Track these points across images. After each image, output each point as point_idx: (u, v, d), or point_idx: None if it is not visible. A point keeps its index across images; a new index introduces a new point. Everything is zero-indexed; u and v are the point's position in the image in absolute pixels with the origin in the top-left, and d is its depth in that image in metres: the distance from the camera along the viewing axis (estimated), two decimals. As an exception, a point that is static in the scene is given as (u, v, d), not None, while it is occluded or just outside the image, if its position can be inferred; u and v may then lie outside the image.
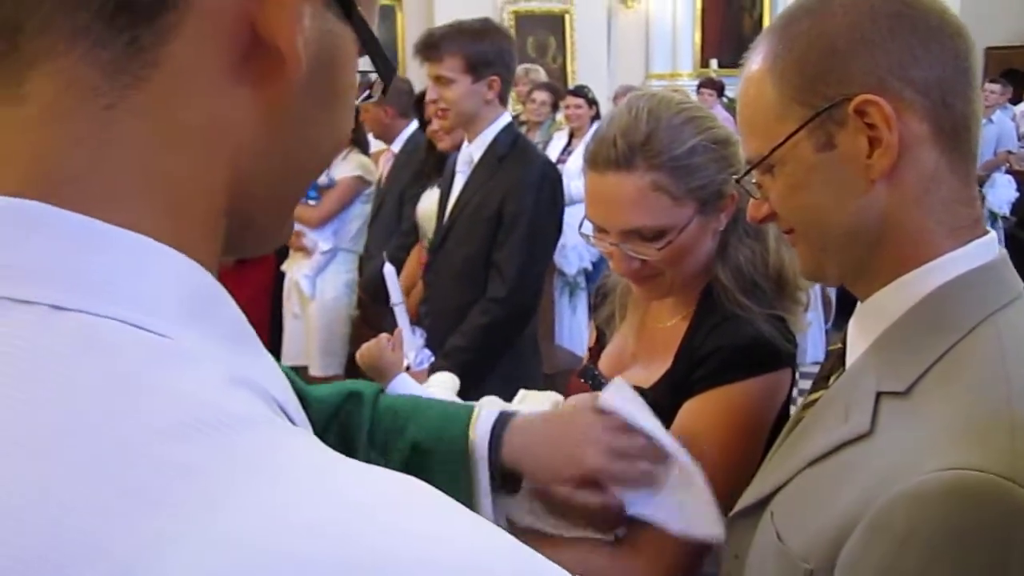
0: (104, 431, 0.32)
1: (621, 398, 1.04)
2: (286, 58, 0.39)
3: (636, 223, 1.14)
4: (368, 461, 1.07)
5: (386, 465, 1.05)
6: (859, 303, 0.86)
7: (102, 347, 0.34)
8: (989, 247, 0.79)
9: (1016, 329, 0.74)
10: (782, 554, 0.76)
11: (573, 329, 4.51)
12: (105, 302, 0.36)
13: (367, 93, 0.51)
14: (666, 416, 1.14)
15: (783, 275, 1.20)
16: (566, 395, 1.36)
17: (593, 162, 1.18)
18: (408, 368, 2.60)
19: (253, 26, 0.39)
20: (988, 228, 0.81)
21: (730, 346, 1.13)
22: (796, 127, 0.79)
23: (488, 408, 1.05)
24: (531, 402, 1.43)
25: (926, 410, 0.70)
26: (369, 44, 0.45)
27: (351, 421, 1.08)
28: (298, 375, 3.70)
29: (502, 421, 1.01)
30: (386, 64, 0.48)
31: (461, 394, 2.41)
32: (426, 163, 3.16)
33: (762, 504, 0.85)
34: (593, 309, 1.49)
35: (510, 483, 1.02)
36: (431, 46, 2.42)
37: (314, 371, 3.73)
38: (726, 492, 0.98)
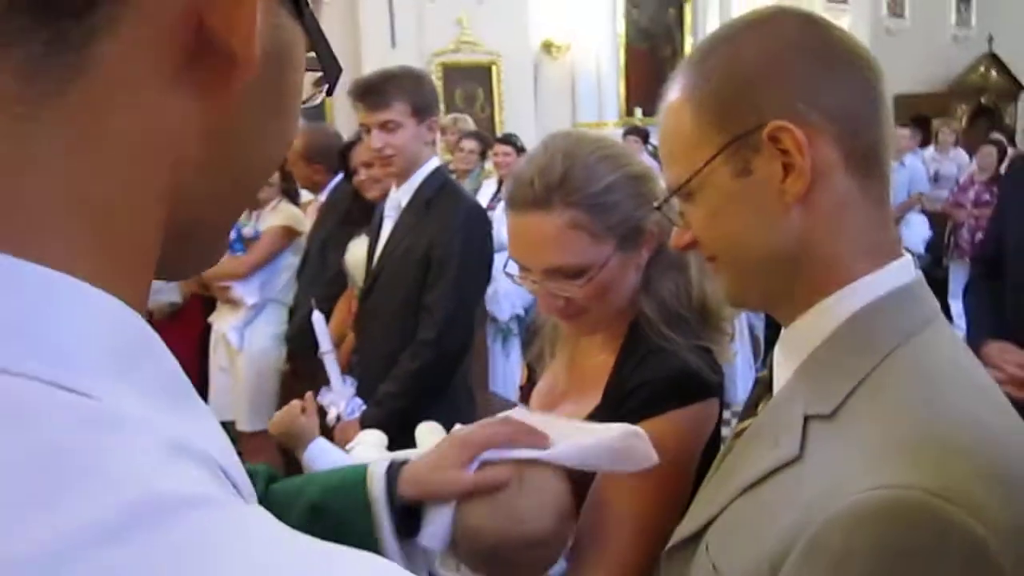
0: (34, 532, 0.27)
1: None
2: (239, 59, 0.35)
3: (556, 261, 1.15)
4: None
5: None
6: (783, 329, 0.86)
7: (20, 415, 0.29)
8: (905, 269, 0.80)
9: (933, 351, 0.75)
10: None
11: (507, 375, 4.49)
12: (19, 356, 0.30)
13: (312, 95, 0.46)
14: None
15: (706, 306, 1.21)
16: None
17: (512, 202, 1.19)
18: (339, 419, 2.55)
19: (201, 24, 0.34)
20: (903, 251, 0.83)
21: (657, 379, 1.13)
22: (713, 153, 0.80)
23: (381, 464, 1.04)
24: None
25: (853, 431, 0.71)
26: (319, 42, 0.42)
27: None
28: (226, 430, 3.58)
29: (398, 463, 1.03)
30: (334, 64, 0.44)
31: (394, 443, 2.36)
32: (351, 211, 3.14)
33: (696, 537, 0.84)
34: (524, 347, 1.49)
35: (414, 525, 1.02)
36: (377, 92, 2.40)
37: (241, 426, 3.62)
38: (660, 524, 0.97)
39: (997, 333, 2.17)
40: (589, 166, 1.15)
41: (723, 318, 1.22)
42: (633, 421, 1.10)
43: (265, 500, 1.05)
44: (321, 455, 1.35)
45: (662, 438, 1.08)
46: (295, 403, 1.42)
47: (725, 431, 1.22)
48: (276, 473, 1.11)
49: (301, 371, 3.16)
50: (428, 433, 1.49)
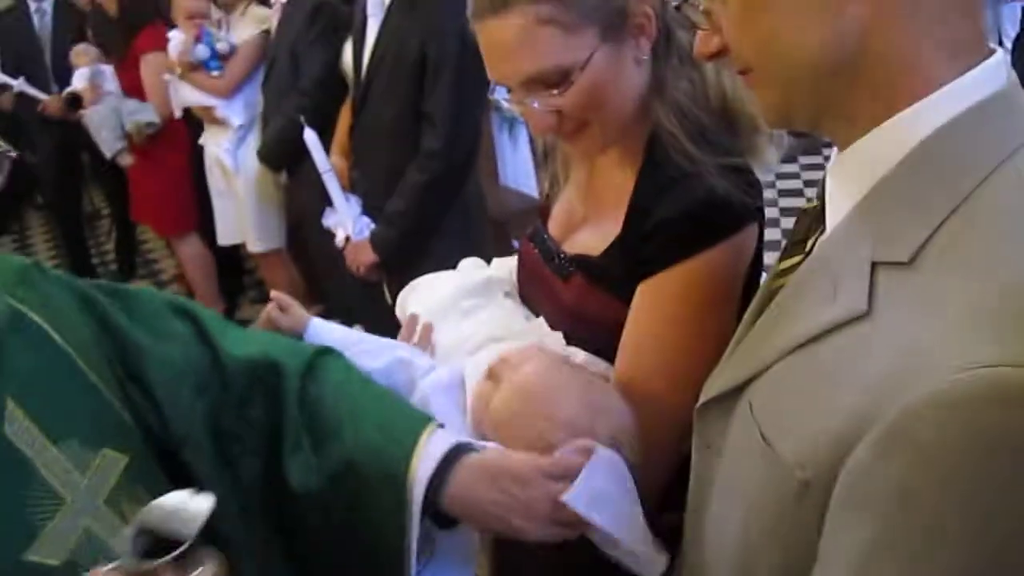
0: None
1: (589, 497, 0.92)
2: None
3: (529, 68, 0.98)
4: (296, 455, 0.91)
5: (317, 468, 0.90)
6: (835, 152, 0.71)
7: None
8: (996, 71, 0.64)
9: None
10: (769, 458, 0.66)
11: (518, 166, 4.32)
12: None
13: None
14: (620, 287, 1.03)
15: (729, 106, 1.04)
16: (520, 256, 1.25)
17: (474, 14, 1.00)
18: (348, 239, 2.45)
19: None
20: (993, 46, 0.66)
21: (682, 215, 0.98)
22: None
23: (436, 439, 0.95)
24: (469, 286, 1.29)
25: (936, 285, 0.58)
26: None
27: (278, 401, 0.97)
28: (237, 252, 3.47)
29: (449, 459, 0.93)
30: None
31: (408, 260, 2.28)
32: (318, 12, 2.82)
33: (736, 392, 0.74)
34: (534, 153, 1.32)
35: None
36: None
37: (252, 247, 3.55)
38: (697, 379, 0.85)
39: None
40: None
41: (755, 114, 1.03)
42: (660, 267, 1.00)
43: (303, 408, 0.98)
44: (321, 337, 1.19)
45: (695, 284, 0.98)
46: (270, 305, 1.25)
47: (773, 233, 1.08)
48: (306, 365, 1.02)
49: (304, 185, 3.01)
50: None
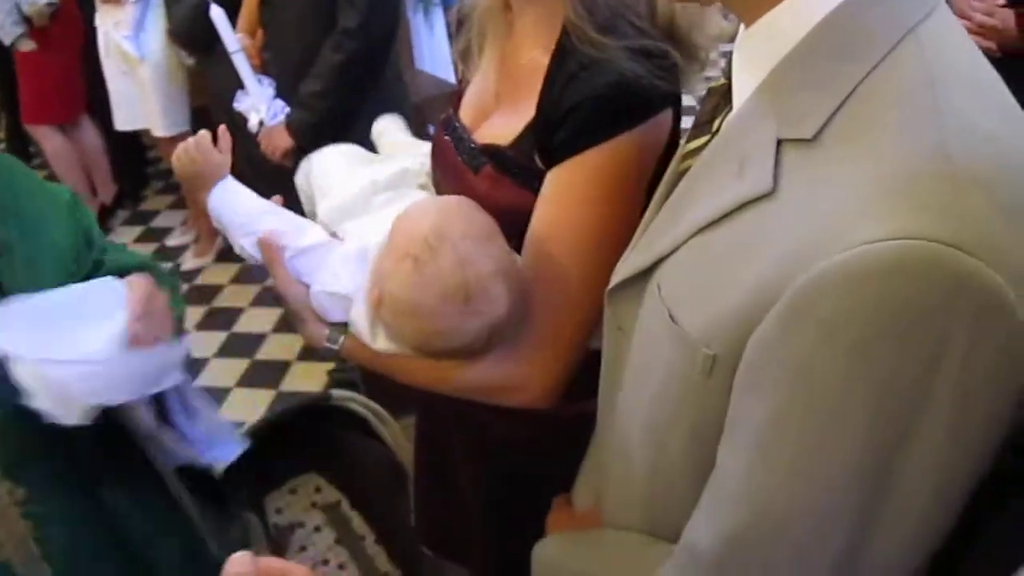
0: None
1: None
2: None
3: None
4: None
5: None
6: (742, 28, 0.70)
7: None
8: None
9: (943, 44, 0.61)
10: (677, 337, 0.67)
11: (434, 50, 4.20)
12: None
13: None
14: (531, 178, 1.00)
15: (675, 26, 1.00)
16: (434, 146, 1.20)
17: None
18: (261, 123, 2.36)
19: None
20: None
21: (589, 100, 0.95)
22: None
23: None
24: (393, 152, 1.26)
25: (842, 162, 0.58)
26: None
27: None
28: (138, 140, 3.35)
29: None
30: None
31: (325, 144, 2.21)
32: None
33: (645, 275, 0.75)
34: (451, 38, 1.26)
35: None
36: None
37: (158, 131, 3.40)
38: (610, 264, 0.85)
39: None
40: None
41: (696, 44, 1.01)
42: (568, 154, 0.97)
43: None
44: (227, 199, 1.13)
45: (604, 171, 0.96)
46: (204, 135, 1.18)
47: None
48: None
49: (204, 67, 2.86)
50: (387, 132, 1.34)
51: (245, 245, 1.12)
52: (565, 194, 0.98)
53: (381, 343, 1.04)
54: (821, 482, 0.58)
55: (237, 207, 1.13)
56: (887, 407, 0.54)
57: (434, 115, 3.28)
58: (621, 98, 0.95)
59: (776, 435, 0.58)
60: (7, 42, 3.47)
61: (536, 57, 1.03)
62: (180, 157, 1.14)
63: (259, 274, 3.63)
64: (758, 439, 0.60)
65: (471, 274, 0.92)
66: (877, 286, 0.52)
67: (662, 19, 1.00)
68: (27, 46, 3.49)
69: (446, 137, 1.15)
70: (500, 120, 1.08)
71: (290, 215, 1.14)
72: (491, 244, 0.95)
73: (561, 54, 0.99)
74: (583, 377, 0.99)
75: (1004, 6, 1.95)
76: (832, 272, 0.53)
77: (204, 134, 1.14)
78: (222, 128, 1.18)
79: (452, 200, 1.01)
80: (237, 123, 2.41)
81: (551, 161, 0.99)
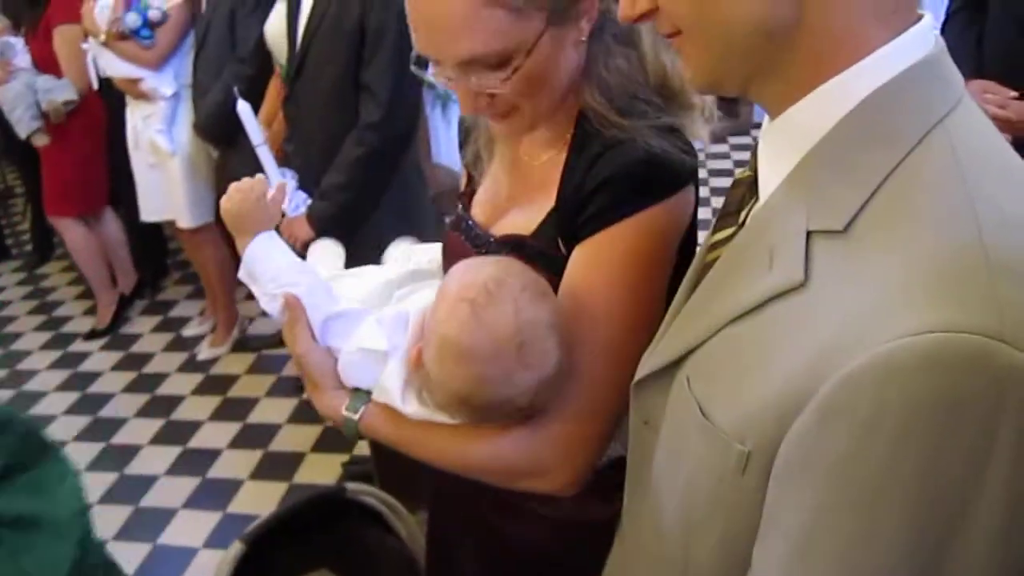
0: None
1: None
2: None
3: (471, 50, 0.90)
4: None
5: None
6: (767, 120, 0.70)
7: None
8: (926, 36, 0.63)
9: (970, 136, 0.60)
10: (709, 432, 0.65)
11: (451, 144, 4.29)
12: None
13: None
14: (556, 262, 0.99)
15: (668, 84, 1.01)
16: (445, 245, 1.20)
17: None
18: (283, 216, 2.39)
19: None
20: (921, 10, 0.65)
21: (620, 174, 0.94)
22: None
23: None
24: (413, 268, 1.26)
25: (874, 253, 0.57)
26: None
27: None
28: (159, 231, 3.40)
29: None
30: None
31: (347, 235, 2.23)
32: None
33: (673, 366, 0.73)
34: (459, 148, 1.27)
35: None
36: None
37: (184, 223, 3.45)
38: (638, 347, 0.83)
39: (977, 71, 2.04)
40: None
41: (690, 94, 1.02)
42: (596, 228, 0.96)
43: None
44: (268, 250, 1.12)
45: (632, 244, 0.95)
46: (261, 179, 1.14)
47: (704, 212, 1.06)
48: None
49: (231, 161, 2.93)
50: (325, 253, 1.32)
51: (271, 301, 1.09)
52: (594, 268, 0.96)
53: (412, 407, 1.00)
54: None
55: (275, 259, 1.11)
56: (934, 501, 0.52)
57: (450, 208, 3.35)
58: (650, 171, 0.94)
59: (815, 535, 0.56)
60: (23, 135, 3.58)
61: (550, 152, 1.04)
62: (233, 195, 1.12)
63: (276, 364, 3.63)
64: (796, 539, 0.57)
65: (527, 323, 0.90)
66: (919, 380, 0.50)
67: (654, 79, 1.01)
68: (41, 141, 3.60)
69: (460, 236, 1.15)
70: (516, 215, 1.07)
71: (325, 281, 1.13)
72: (547, 300, 0.93)
73: (579, 143, 0.99)
74: (603, 479, 0.97)
75: (1017, 98, 1.98)
76: (871, 366, 0.51)
77: (261, 179, 1.14)
78: (280, 183, 1.18)
79: (509, 258, 0.99)
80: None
81: (576, 241, 0.98)
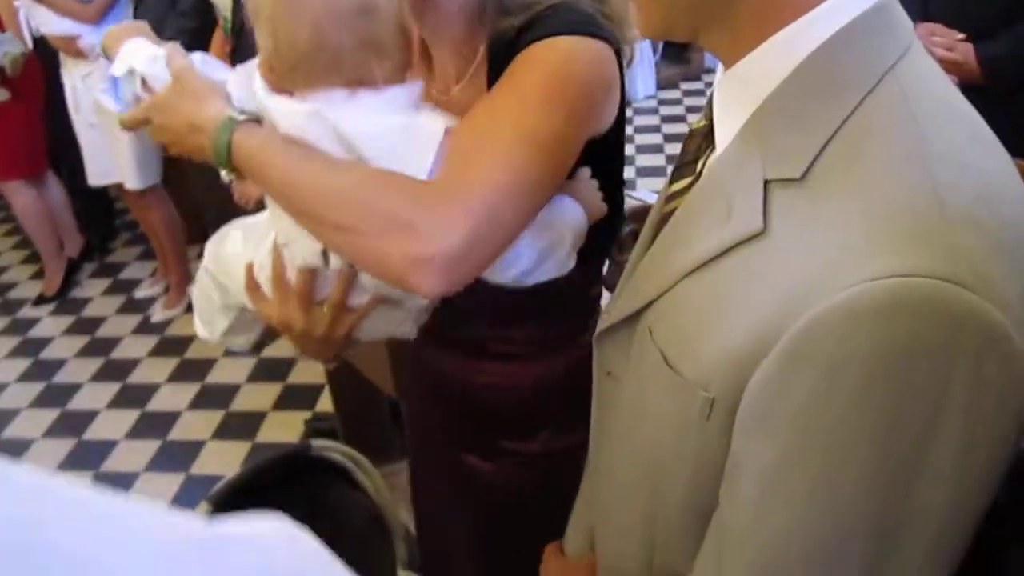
0: None
1: None
2: None
3: None
4: None
5: None
6: (720, 69, 0.70)
7: None
8: None
9: (921, 82, 0.61)
10: (674, 381, 0.66)
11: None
12: None
13: None
14: None
15: (612, 12, 0.99)
16: None
17: None
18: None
19: None
20: None
21: (547, 27, 0.93)
22: None
23: None
24: None
25: (831, 200, 0.58)
26: None
27: None
28: (105, 193, 3.29)
29: None
30: None
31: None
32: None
33: (634, 317, 0.74)
34: None
35: None
36: None
37: (131, 184, 3.36)
38: (544, 162, 0.84)
39: (923, 14, 2.06)
40: None
41: (629, 25, 0.99)
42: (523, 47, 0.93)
43: None
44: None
45: (555, 64, 0.92)
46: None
47: (629, 130, 1.03)
48: None
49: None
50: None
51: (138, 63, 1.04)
52: (517, 71, 0.94)
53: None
54: (831, 520, 0.57)
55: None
56: (896, 441, 0.54)
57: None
58: (576, 20, 0.94)
59: (783, 477, 0.58)
60: None
61: (465, 83, 1.02)
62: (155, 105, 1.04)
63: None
64: (765, 482, 0.59)
65: None
66: (880, 324, 0.52)
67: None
68: (3, 96, 3.46)
69: None
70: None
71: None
72: None
73: (497, 40, 0.98)
74: (567, 412, 0.98)
75: (964, 40, 2.00)
76: (833, 312, 0.53)
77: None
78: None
79: None
80: (212, 175, 2.39)
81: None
